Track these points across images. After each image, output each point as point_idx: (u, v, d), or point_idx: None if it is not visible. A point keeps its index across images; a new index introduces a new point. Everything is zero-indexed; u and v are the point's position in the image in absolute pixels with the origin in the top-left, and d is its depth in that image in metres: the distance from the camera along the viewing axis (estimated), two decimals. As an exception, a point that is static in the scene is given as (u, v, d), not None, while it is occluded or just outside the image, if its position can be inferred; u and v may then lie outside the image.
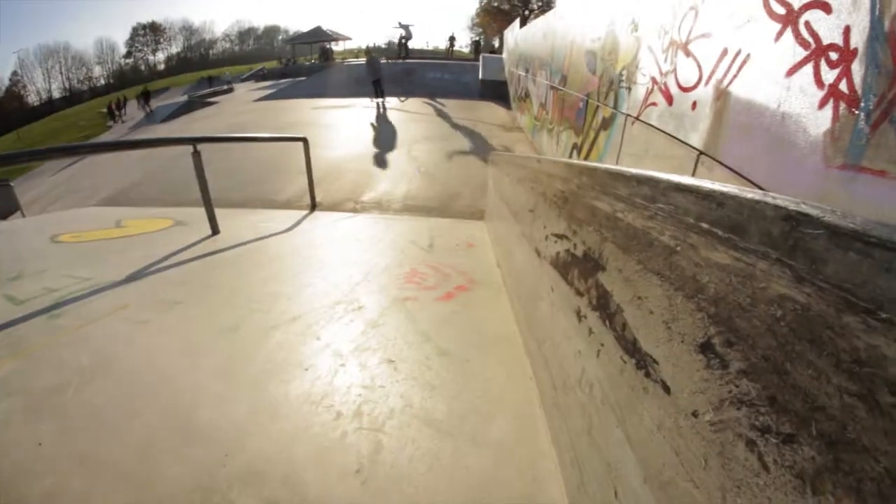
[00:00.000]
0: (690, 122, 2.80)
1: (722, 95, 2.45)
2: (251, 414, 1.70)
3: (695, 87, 2.75)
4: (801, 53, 1.89)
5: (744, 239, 0.61)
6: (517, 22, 14.93)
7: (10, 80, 61.03)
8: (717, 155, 2.51)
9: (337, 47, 38.38)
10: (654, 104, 3.34)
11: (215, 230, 4.22)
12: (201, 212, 4.22)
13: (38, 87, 63.80)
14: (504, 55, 17.72)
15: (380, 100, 15.19)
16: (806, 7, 1.87)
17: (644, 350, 0.83)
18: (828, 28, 1.77)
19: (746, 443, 0.56)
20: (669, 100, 3.09)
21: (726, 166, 2.41)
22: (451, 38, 32.73)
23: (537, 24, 9.90)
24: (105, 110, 29.62)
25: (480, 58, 20.08)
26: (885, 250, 0.43)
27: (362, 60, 26.12)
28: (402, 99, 16.43)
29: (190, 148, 3.95)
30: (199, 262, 3.40)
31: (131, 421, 1.64)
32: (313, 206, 5.98)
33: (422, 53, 33.80)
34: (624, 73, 4.01)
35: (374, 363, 2.04)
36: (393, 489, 1.37)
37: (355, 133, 11.37)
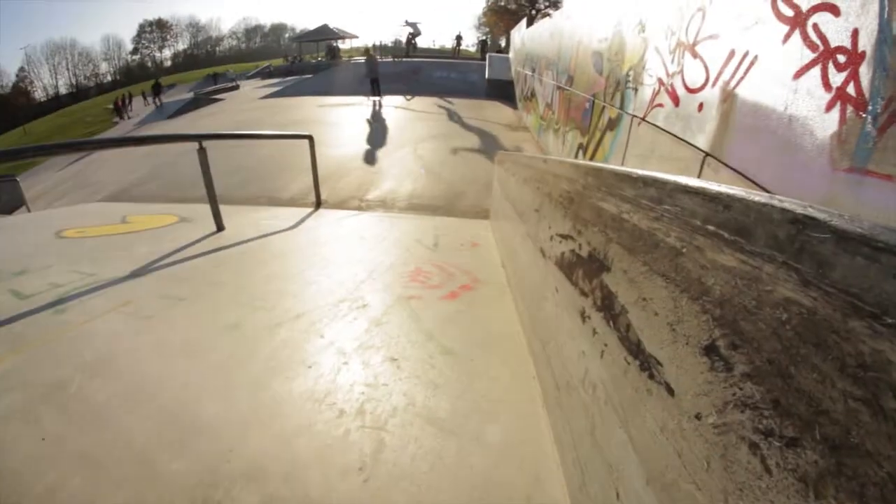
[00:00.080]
0: (697, 123, 2.79)
1: (729, 97, 2.45)
2: (254, 411, 1.70)
3: (701, 88, 2.74)
4: (809, 56, 1.89)
5: (750, 241, 0.61)
6: (524, 21, 14.91)
7: (17, 76, 61.45)
8: (723, 157, 2.50)
9: (343, 45, 38.39)
10: (660, 105, 3.34)
11: (220, 227, 4.24)
12: (206, 208, 4.25)
13: (45, 84, 64.21)
14: (510, 55, 17.70)
15: (376, 98, 15.29)
16: (814, 9, 1.86)
17: (648, 351, 0.83)
18: (836, 31, 1.76)
19: (749, 446, 0.56)
20: (676, 101, 3.09)
21: (732, 168, 2.40)
22: (458, 38, 32.69)
23: (544, 24, 9.89)
24: (111, 107, 29.74)
25: (487, 57, 20.06)
26: (892, 255, 0.43)
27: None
28: (408, 97, 16.45)
29: (196, 144, 3.98)
30: (203, 259, 3.42)
31: (134, 417, 1.65)
32: (318, 204, 6.00)
33: (428, 52, 33.78)
34: (630, 73, 4.00)
35: (378, 361, 2.04)
36: (395, 488, 1.37)
37: (361, 131, 11.40)
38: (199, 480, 1.38)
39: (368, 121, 12.69)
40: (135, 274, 3.02)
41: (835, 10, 1.78)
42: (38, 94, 62.51)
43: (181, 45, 77.63)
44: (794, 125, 1.96)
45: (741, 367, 0.59)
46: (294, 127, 11.84)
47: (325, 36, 34.69)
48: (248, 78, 30.92)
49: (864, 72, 1.64)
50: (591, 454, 1.12)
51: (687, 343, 0.71)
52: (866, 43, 1.63)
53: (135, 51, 73.30)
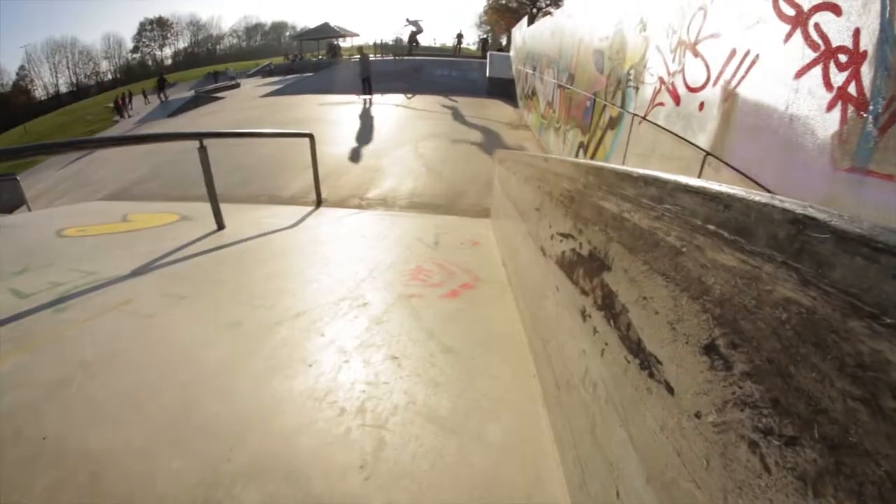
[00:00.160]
0: (698, 122, 2.79)
1: (730, 96, 2.44)
2: (255, 409, 1.71)
3: (703, 87, 2.74)
4: (810, 55, 1.88)
5: (750, 241, 0.61)
6: (525, 20, 14.90)
7: (18, 74, 61.57)
8: (724, 156, 2.50)
9: (344, 43, 38.35)
10: (661, 104, 3.33)
11: (221, 225, 4.25)
12: (207, 207, 4.25)
13: (46, 82, 64.34)
14: (511, 53, 17.68)
15: (367, 96, 15.37)
16: (816, 9, 1.86)
17: (648, 350, 0.83)
18: (837, 30, 1.76)
19: (749, 444, 0.56)
20: (677, 100, 3.08)
21: (733, 168, 2.40)
22: (459, 36, 32.70)
23: (545, 23, 9.88)
24: (112, 105, 29.78)
25: (488, 55, 20.03)
26: (891, 256, 0.43)
27: (370, 56, 26.15)
28: (409, 96, 16.44)
29: (196, 143, 3.98)
30: (204, 257, 3.42)
31: (135, 415, 1.65)
32: (319, 202, 6.00)
33: (429, 51, 33.73)
34: (632, 72, 4.00)
35: (379, 360, 2.04)
36: (396, 486, 1.38)
37: (361, 129, 11.39)
38: (200, 479, 1.39)
39: (369, 119, 12.69)
40: (136, 272, 3.02)
41: (836, 10, 1.77)
42: (39, 93, 62.67)
43: (182, 44, 77.77)
44: (796, 125, 1.96)
45: (741, 366, 0.59)
46: (295, 125, 11.83)
47: (325, 34, 34.69)
48: (249, 76, 30.96)
49: (866, 71, 1.64)
50: (591, 453, 1.12)
51: (687, 342, 0.71)
52: (868, 42, 1.63)
53: (135, 49, 73.40)
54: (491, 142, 9.84)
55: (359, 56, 18.30)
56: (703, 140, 2.72)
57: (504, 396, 1.81)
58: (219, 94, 22.24)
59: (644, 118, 3.65)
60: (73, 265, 3.12)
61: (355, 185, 7.25)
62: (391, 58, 25.29)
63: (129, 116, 26.84)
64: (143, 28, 73.85)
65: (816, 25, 1.86)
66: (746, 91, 2.31)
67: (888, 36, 1.54)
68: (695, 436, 0.67)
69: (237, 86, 25.42)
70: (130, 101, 29.36)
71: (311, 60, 31.80)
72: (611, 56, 4.68)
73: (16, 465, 1.42)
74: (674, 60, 3.12)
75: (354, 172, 7.85)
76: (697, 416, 0.67)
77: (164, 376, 1.89)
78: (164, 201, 6.14)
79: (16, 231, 4.43)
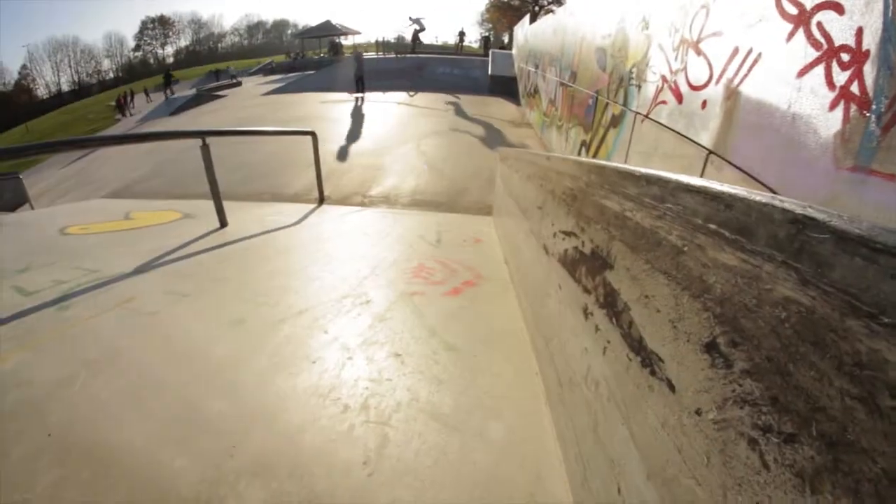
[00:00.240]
0: (700, 120, 2.79)
1: (732, 95, 2.44)
2: (259, 406, 1.72)
3: (705, 85, 2.74)
4: (813, 54, 1.88)
5: (751, 241, 0.62)
6: (527, 18, 14.87)
7: (20, 73, 61.82)
8: (727, 154, 2.50)
9: (346, 42, 38.30)
10: (663, 102, 3.33)
11: (223, 223, 4.26)
12: (210, 204, 4.26)
13: (48, 81, 64.58)
14: (514, 51, 17.65)
15: (360, 94, 15.41)
16: (818, 7, 1.86)
17: (650, 348, 0.84)
18: (840, 29, 1.76)
19: (748, 441, 0.57)
20: (679, 98, 3.08)
21: (735, 166, 2.40)
22: (461, 34, 32.58)
23: (547, 21, 9.86)
24: (114, 104, 29.86)
25: (490, 53, 19.99)
26: (890, 256, 0.44)
27: (371, 54, 26.13)
28: (412, 94, 16.42)
29: (198, 141, 3.99)
30: (207, 255, 3.43)
31: (139, 413, 1.66)
32: (321, 200, 6.01)
33: (431, 49, 33.67)
34: (634, 70, 3.99)
35: (382, 357, 2.05)
36: (399, 482, 1.39)
37: (363, 127, 11.39)
38: (203, 477, 1.39)
39: (371, 117, 12.69)
40: (139, 270, 3.03)
41: (839, 9, 1.77)
42: (41, 92, 62.86)
43: (183, 42, 77.87)
44: (798, 123, 1.96)
45: (741, 364, 0.60)
46: (297, 123, 11.84)
47: (327, 32, 34.61)
48: (251, 74, 30.96)
49: (868, 70, 1.64)
50: (593, 450, 1.13)
51: (688, 340, 0.72)
52: (870, 41, 1.63)
53: (137, 48, 73.54)
54: (493, 140, 9.83)
55: (354, 55, 18.44)
56: (706, 138, 2.72)
57: (506, 394, 1.81)
58: (220, 93, 22.25)
59: (647, 116, 3.65)
60: (76, 263, 3.13)
61: (358, 182, 7.25)
62: (393, 55, 25.25)
63: (131, 115, 26.88)
64: (144, 26, 74.01)
65: (819, 24, 1.86)
66: (749, 89, 2.32)
67: (891, 35, 1.54)
68: (695, 433, 0.68)
69: (239, 84, 25.43)
70: (132, 99, 29.41)
71: (312, 58, 31.76)
72: (613, 54, 4.68)
73: (20, 462, 1.43)
74: (676, 59, 3.12)
75: (357, 170, 7.85)
76: (698, 413, 0.67)
77: (168, 374, 1.90)
78: (167, 199, 6.15)
79: (19, 229, 4.46)
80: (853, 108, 1.70)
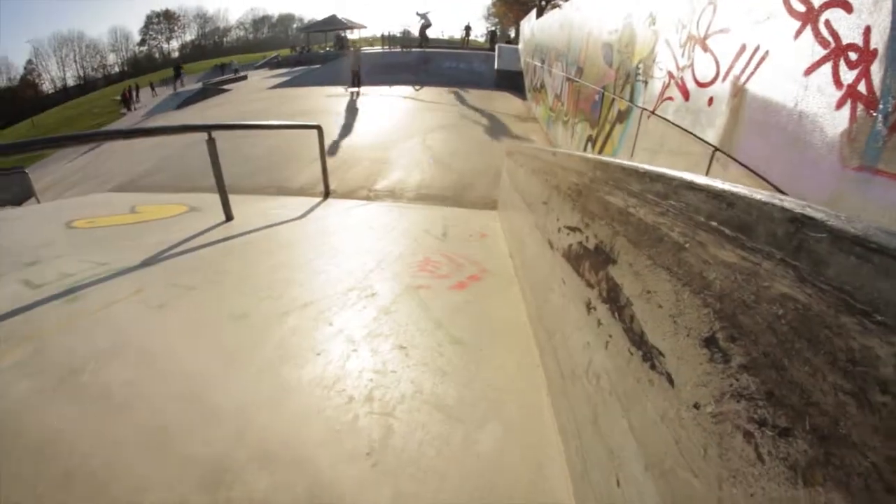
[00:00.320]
0: (706, 118, 2.78)
1: (739, 92, 2.44)
2: (265, 397, 1.74)
3: (712, 82, 2.73)
4: (820, 52, 1.88)
5: (750, 238, 0.63)
6: (533, 12, 14.78)
7: (25, 68, 62.09)
8: (733, 152, 2.50)
9: (352, 35, 38.21)
10: (670, 99, 3.32)
11: (229, 216, 4.28)
12: (215, 198, 4.28)
13: (53, 76, 64.81)
14: (520, 45, 17.56)
15: (355, 89, 15.42)
16: (826, 5, 1.85)
17: (651, 343, 0.86)
18: (848, 27, 1.75)
19: (744, 435, 0.59)
20: (686, 95, 3.07)
21: (741, 164, 2.40)
22: (467, 28, 32.48)
23: (554, 15, 9.80)
24: (119, 98, 29.98)
25: (496, 48, 19.91)
26: (884, 256, 0.45)
27: (378, 49, 26.09)
28: (417, 88, 16.39)
29: (204, 135, 4.00)
30: (212, 248, 3.46)
31: (147, 403, 1.68)
32: (327, 194, 6.03)
33: (437, 43, 33.53)
34: (640, 66, 3.98)
35: (387, 349, 2.07)
36: (403, 472, 1.41)
37: (369, 121, 11.39)
38: (210, 465, 1.42)
39: (377, 111, 12.68)
40: (145, 263, 3.05)
41: (847, 7, 1.76)
42: (46, 87, 63.11)
43: (189, 36, 77.91)
44: (805, 122, 1.95)
45: (738, 358, 0.62)
46: (302, 117, 11.84)
47: (333, 26, 34.58)
48: (257, 68, 30.92)
49: (876, 70, 1.63)
50: (593, 442, 1.15)
51: (688, 335, 0.73)
52: (878, 41, 1.62)
53: (142, 42, 73.64)
54: (499, 134, 9.81)
55: (352, 49, 18.48)
56: (712, 135, 2.71)
57: (509, 387, 1.83)
58: (226, 87, 22.27)
59: (653, 113, 3.64)
60: (83, 256, 3.15)
61: (363, 176, 7.27)
62: (399, 50, 25.18)
63: (135, 109, 26.98)
64: (149, 21, 74.03)
65: (827, 22, 1.86)
66: (755, 87, 2.31)
67: (899, 34, 1.53)
68: (693, 426, 0.69)
69: (244, 78, 25.45)
70: (137, 93, 29.53)
71: (318, 52, 31.73)
72: (620, 49, 4.66)
73: (30, 452, 1.45)
74: (683, 55, 3.11)
75: (362, 164, 7.86)
76: (696, 406, 0.69)
77: (175, 365, 1.93)
78: (172, 193, 6.19)
79: (26, 223, 4.49)
80: (860, 107, 1.69)
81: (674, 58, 3.25)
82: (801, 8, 1.98)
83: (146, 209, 4.98)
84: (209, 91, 21.95)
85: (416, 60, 21.30)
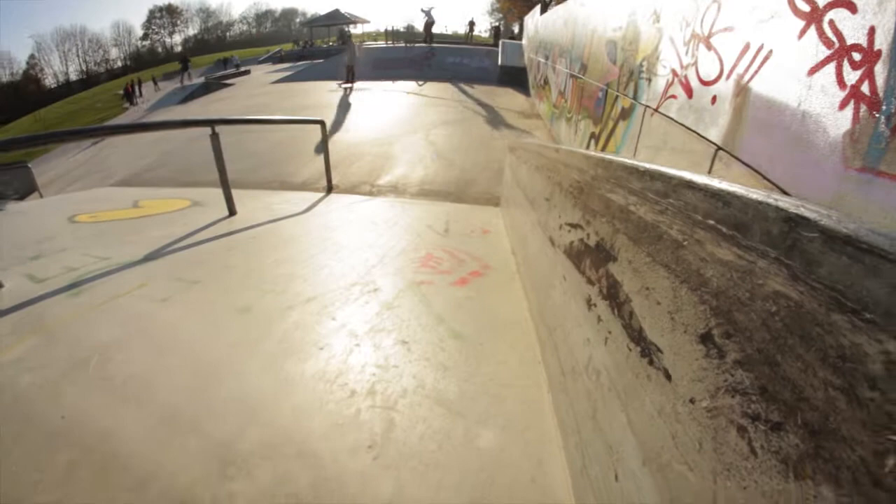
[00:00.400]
0: (710, 116, 2.78)
1: (742, 91, 2.44)
2: (268, 390, 1.76)
3: (715, 81, 2.73)
4: (824, 52, 1.88)
5: (746, 237, 0.64)
6: (538, 8, 14.70)
7: (28, 63, 62.26)
8: (735, 151, 2.50)
9: (355, 30, 38.14)
10: (673, 97, 3.32)
11: (232, 211, 4.30)
12: (218, 192, 4.30)
13: (56, 70, 65.03)
14: (524, 41, 17.49)
15: (348, 85, 15.37)
16: (831, 5, 1.85)
17: (649, 339, 0.87)
18: (852, 28, 1.75)
19: (738, 429, 0.60)
20: (689, 93, 3.07)
21: (744, 163, 2.40)
22: (471, 23, 32.32)
23: (558, 11, 9.76)
24: (122, 92, 30.04)
25: (500, 43, 19.83)
26: (874, 256, 0.46)
27: (381, 43, 26.02)
28: (421, 83, 16.36)
29: (207, 130, 4.02)
30: (216, 243, 3.48)
31: (151, 395, 1.70)
32: (329, 189, 6.03)
33: (441, 38, 33.42)
34: (644, 63, 3.97)
35: (389, 344, 2.09)
36: (404, 465, 1.43)
37: (372, 116, 11.39)
38: (214, 457, 1.43)
39: (380, 106, 12.67)
40: (149, 257, 3.07)
41: (851, 7, 1.76)
42: (49, 81, 63.36)
43: (191, 31, 77.98)
44: (807, 122, 1.96)
45: (733, 354, 0.63)
46: (305, 112, 11.87)
47: (336, 21, 34.51)
48: (260, 62, 30.95)
49: (880, 71, 1.63)
50: (592, 437, 1.16)
51: (685, 331, 0.75)
52: (882, 41, 1.62)
53: (145, 36, 73.78)
54: (502, 130, 9.80)
55: (347, 43, 18.40)
56: (715, 134, 2.71)
57: (510, 382, 1.85)
58: (229, 81, 22.27)
59: (656, 110, 3.64)
60: (86, 250, 3.18)
61: (366, 171, 7.28)
62: (403, 45, 25.12)
63: (136, 104, 27.00)
64: (152, 15, 74.10)
65: (831, 22, 1.85)
66: (759, 86, 2.31)
67: (903, 35, 1.53)
68: (689, 420, 0.71)
69: (247, 72, 25.45)
70: (140, 88, 29.56)
71: (321, 47, 31.69)
72: (624, 47, 4.65)
73: (36, 444, 1.47)
74: (687, 53, 3.10)
75: (365, 159, 7.87)
76: (692, 401, 0.70)
77: (179, 358, 1.94)
78: (174, 187, 6.21)
79: (29, 217, 4.51)
80: (863, 108, 1.69)
81: (677, 55, 3.25)
82: (806, 7, 1.98)
83: (149, 204, 5.00)
84: (212, 86, 21.96)
85: (420, 56, 21.24)
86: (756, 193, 0.65)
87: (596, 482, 1.12)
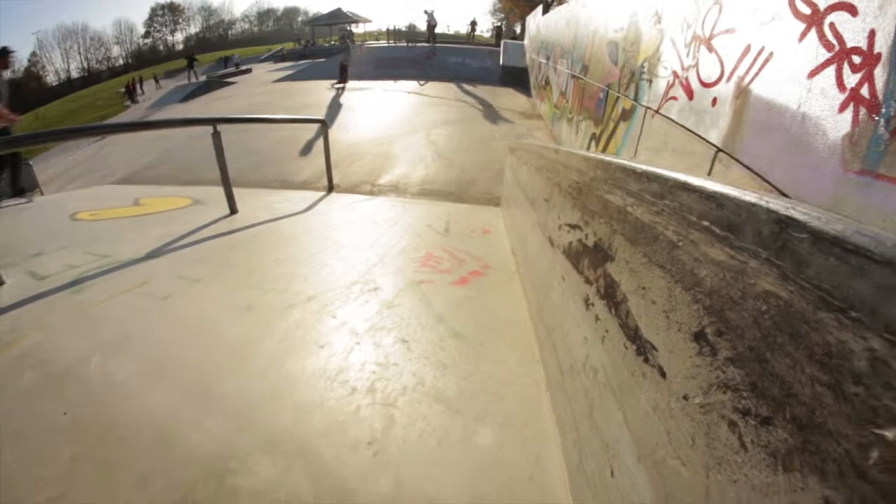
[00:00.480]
0: (710, 118, 2.79)
1: (742, 93, 2.45)
2: (269, 387, 1.77)
3: (716, 83, 2.74)
4: (824, 55, 1.89)
5: (739, 238, 0.66)
6: (539, 8, 14.71)
7: (29, 60, 62.44)
8: (735, 153, 2.51)
9: (357, 29, 38.16)
10: (674, 98, 3.33)
11: (233, 209, 4.32)
12: (219, 191, 4.32)
13: (57, 68, 65.16)
14: (525, 42, 17.50)
15: (340, 85, 15.37)
16: (831, 8, 1.86)
17: (645, 337, 0.89)
18: (852, 31, 1.76)
19: (729, 424, 0.62)
20: (690, 94, 3.08)
21: (744, 165, 2.41)
22: (473, 23, 32.34)
23: (560, 12, 9.77)
24: (123, 90, 30.10)
25: (502, 44, 19.84)
26: (860, 256, 0.48)
27: (383, 43, 26.04)
28: (422, 83, 16.37)
29: (209, 128, 4.03)
30: (217, 241, 3.49)
31: (152, 392, 1.71)
32: (330, 188, 6.05)
33: (443, 38, 33.43)
34: (645, 65, 3.98)
35: (389, 342, 2.11)
36: (404, 461, 1.44)
37: (373, 115, 11.40)
38: (216, 453, 1.45)
39: (381, 106, 12.68)
40: (150, 255, 3.09)
41: (852, 10, 1.77)
42: (50, 79, 63.51)
43: (193, 29, 78.10)
44: (807, 124, 1.97)
45: (725, 352, 0.65)
46: (306, 111, 11.89)
47: (338, 20, 34.54)
48: (261, 61, 30.97)
49: (879, 74, 1.64)
50: (588, 435, 1.18)
51: (679, 329, 0.76)
52: (882, 45, 1.63)
53: (147, 34, 73.94)
54: (503, 130, 9.81)
55: (348, 41, 18.39)
56: (715, 136, 2.73)
57: (509, 381, 1.86)
58: (231, 80, 22.30)
59: (657, 112, 3.65)
60: (87, 248, 3.19)
61: (367, 171, 7.30)
62: (404, 44, 25.15)
63: (138, 102, 27.05)
64: (154, 13, 74.30)
65: (832, 25, 1.86)
66: (759, 88, 2.32)
67: (902, 39, 1.54)
68: (682, 416, 0.72)
69: (249, 71, 25.48)
70: (141, 86, 29.63)
71: (323, 46, 31.72)
72: (625, 48, 4.66)
73: (38, 440, 1.48)
74: (688, 55, 3.11)
75: (366, 159, 7.89)
76: (685, 398, 0.72)
77: (181, 355, 1.96)
78: (175, 185, 6.22)
79: (30, 214, 4.52)
80: (862, 111, 1.70)
81: (679, 57, 3.26)
82: (807, 10, 1.99)
83: (150, 202, 5.02)
84: (213, 84, 21.98)
85: (421, 55, 21.26)
86: (749, 195, 0.66)
87: (592, 478, 1.13)
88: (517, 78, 15.66)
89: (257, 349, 2.03)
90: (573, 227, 1.60)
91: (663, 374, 0.80)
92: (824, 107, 1.88)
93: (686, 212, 0.81)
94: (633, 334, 0.94)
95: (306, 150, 7.96)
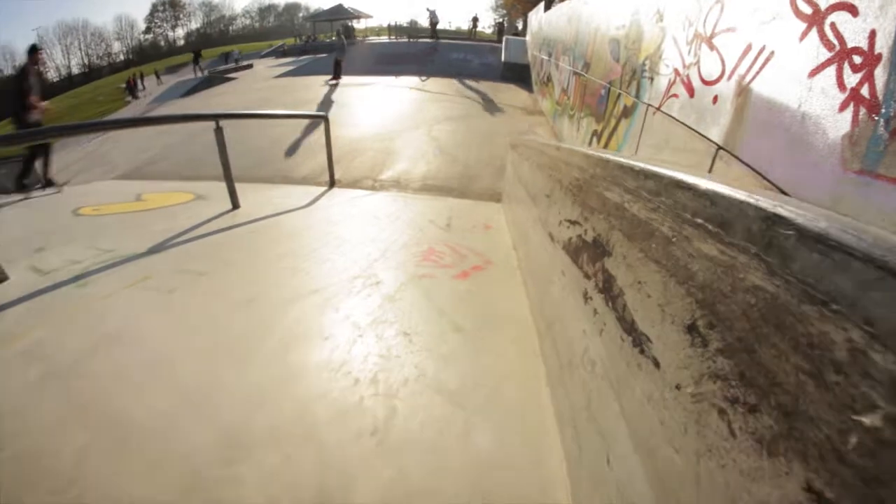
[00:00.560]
0: (711, 115, 2.81)
1: (743, 91, 2.46)
2: (274, 379, 1.80)
3: (717, 81, 2.75)
4: (825, 55, 1.90)
5: (729, 234, 0.69)
6: (542, 5, 14.66)
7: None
8: (736, 150, 2.53)
9: (359, 25, 38.06)
10: (675, 96, 3.35)
11: (236, 204, 4.34)
12: (222, 186, 4.33)
13: (58, 64, 64.99)
14: (527, 38, 17.46)
15: (333, 81, 15.32)
16: (832, 8, 1.87)
17: (640, 330, 0.92)
18: (853, 31, 1.77)
19: (719, 412, 0.65)
20: (691, 92, 3.10)
21: (744, 163, 2.43)
22: (475, 19, 32.33)
23: (562, 8, 9.75)
24: (124, 86, 30.10)
25: (504, 40, 19.80)
26: (842, 253, 0.51)
27: (384, 38, 26.00)
28: (424, 79, 16.34)
29: (211, 124, 4.05)
30: (220, 236, 3.52)
31: (157, 384, 1.75)
32: (332, 183, 6.06)
33: (445, 34, 33.36)
34: (647, 62, 3.99)
35: (391, 335, 2.13)
36: (406, 451, 1.47)
37: (375, 111, 11.39)
38: (221, 443, 1.48)
39: (383, 101, 12.67)
40: (153, 250, 3.11)
41: (853, 10, 1.78)
42: (51, 75, 63.31)
43: (194, 25, 77.98)
44: (807, 123, 1.98)
45: (716, 343, 0.67)
46: (307, 106, 11.87)
47: (339, 16, 34.45)
48: (262, 57, 30.89)
49: (880, 74, 1.65)
50: (586, 426, 1.21)
51: (673, 322, 0.79)
52: (883, 45, 1.64)
53: (147, 30, 73.85)
54: (505, 127, 9.80)
55: (336, 39, 18.32)
56: (716, 133, 2.74)
57: (509, 374, 1.89)
58: (232, 75, 22.25)
59: (658, 109, 3.66)
60: (90, 243, 3.21)
61: (368, 166, 7.31)
62: (406, 40, 25.11)
63: (139, 98, 27.03)
64: (155, 9, 74.17)
65: (832, 25, 1.87)
66: (760, 87, 2.33)
67: (903, 39, 1.56)
68: (675, 406, 0.75)
69: (250, 66, 25.44)
70: (142, 81, 29.64)
71: (324, 42, 31.65)
72: (627, 45, 4.67)
73: (44, 432, 1.51)
74: (689, 52, 3.13)
75: (367, 154, 7.90)
76: (678, 388, 0.75)
77: (186, 348, 1.99)
78: (177, 181, 6.24)
79: (33, 210, 4.55)
80: (862, 110, 1.71)
81: (680, 55, 3.27)
82: (808, 10, 2.00)
83: (152, 197, 5.04)
84: (214, 80, 21.95)
85: (423, 51, 21.22)
86: (739, 193, 0.69)
87: (590, 468, 1.16)
88: (519, 74, 15.62)
89: (262, 342, 2.06)
90: (573, 223, 1.63)
91: (657, 366, 0.83)
92: (824, 106, 1.89)
93: (680, 209, 0.84)
94: (629, 327, 0.97)
95: (307, 145, 7.97)
